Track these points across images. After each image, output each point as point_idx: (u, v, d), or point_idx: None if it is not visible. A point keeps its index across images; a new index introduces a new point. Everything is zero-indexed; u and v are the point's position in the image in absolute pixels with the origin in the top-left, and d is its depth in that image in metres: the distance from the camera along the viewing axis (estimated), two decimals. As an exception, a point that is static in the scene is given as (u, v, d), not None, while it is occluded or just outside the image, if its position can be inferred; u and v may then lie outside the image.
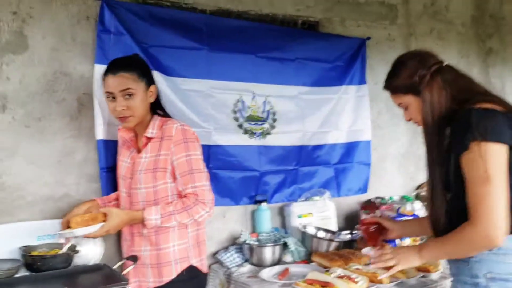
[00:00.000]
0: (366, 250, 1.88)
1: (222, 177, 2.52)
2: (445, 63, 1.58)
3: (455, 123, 1.46)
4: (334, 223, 2.63)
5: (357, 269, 1.99)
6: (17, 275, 1.75)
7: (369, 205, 1.96)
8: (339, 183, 2.90)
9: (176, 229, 1.88)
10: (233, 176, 2.55)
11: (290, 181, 2.73)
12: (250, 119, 2.63)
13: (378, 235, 1.87)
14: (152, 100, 1.90)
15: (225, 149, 2.54)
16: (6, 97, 2.00)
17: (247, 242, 2.33)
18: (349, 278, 1.86)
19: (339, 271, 1.93)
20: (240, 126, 2.59)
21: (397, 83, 1.62)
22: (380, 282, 1.86)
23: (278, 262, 2.32)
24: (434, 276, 1.96)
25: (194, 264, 1.91)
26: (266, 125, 2.67)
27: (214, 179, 2.46)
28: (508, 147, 1.41)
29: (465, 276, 1.48)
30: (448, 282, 1.93)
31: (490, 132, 1.38)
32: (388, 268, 1.68)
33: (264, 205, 2.56)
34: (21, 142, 2.02)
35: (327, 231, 2.53)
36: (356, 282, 1.84)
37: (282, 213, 2.70)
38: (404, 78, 1.59)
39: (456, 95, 1.53)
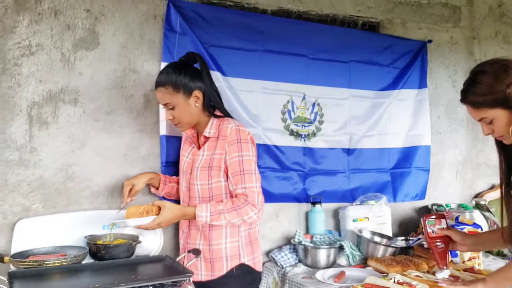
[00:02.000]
0: (440, 275, 1.83)
1: (270, 176, 2.53)
2: None
3: None
4: (389, 229, 2.60)
5: (417, 276, 1.95)
6: (83, 262, 1.82)
7: (432, 214, 1.91)
8: (396, 188, 2.85)
9: (228, 227, 1.91)
10: (281, 175, 2.56)
11: (340, 184, 2.71)
12: (298, 120, 2.63)
13: (447, 252, 1.84)
14: (199, 104, 1.93)
15: (272, 149, 2.55)
16: (78, 91, 2.09)
17: (302, 242, 2.33)
18: (409, 285, 1.82)
19: (398, 277, 1.90)
20: (287, 127, 2.60)
21: (483, 97, 1.52)
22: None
23: (333, 265, 2.31)
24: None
25: (246, 262, 1.94)
26: (312, 127, 2.66)
27: (264, 178, 2.48)
28: None
29: None
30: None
31: None
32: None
33: (318, 206, 2.55)
34: (91, 135, 2.11)
35: (382, 236, 2.50)
36: (416, 290, 1.80)
37: (335, 216, 2.68)
38: (491, 91, 1.51)
39: None
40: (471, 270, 2.03)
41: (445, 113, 3.05)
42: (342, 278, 2.10)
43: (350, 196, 2.73)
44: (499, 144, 1.65)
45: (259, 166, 2.46)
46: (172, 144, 2.25)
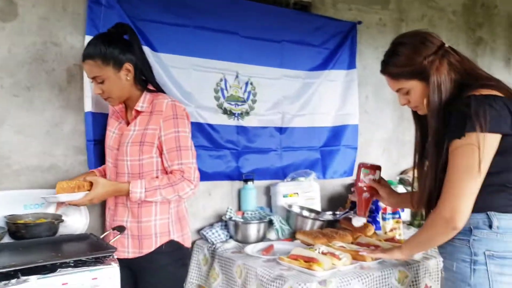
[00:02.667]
0: (356, 222, 1.91)
1: (205, 155, 2.53)
2: (447, 45, 1.56)
3: (455, 110, 1.48)
4: (318, 204, 2.67)
5: (341, 246, 2.03)
6: (1, 242, 1.74)
7: (369, 163, 1.94)
8: (325, 166, 2.94)
9: (158, 204, 1.90)
10: (214, 153, 2.57)
11: (272, 162, 2.76)
12: (231, 99, 2.64)
13: (370, 202, 1.90)
14: (130, 78, 1.88)
15: (206, 127, 2.55)
16: (-6, 65, 1.98)
17: (233, 218, 2.36)
18: (332, 254, 1.90)
19: (323, 248, 1.97)
20: (220, 106, 2.60)
21: (401, 68, 1.58)
22: (362, 259, 1.90)
23: (263, 239, 2.36)
24: (417, 256, 2.01)
25: (176, 239, 1.93)
26: (245, 106, 2.68)
27: (198, 158, 2.48)
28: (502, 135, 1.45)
29: (463, 254, 1.53)
30: (431, 263, 1.98)
31: (488, 122, 1.41)
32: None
33: (250, 184, 2.58)
34: (10, 111, 2.00)
35: (311, 210, 2.57)
36: (340, 259, 1.88)
37: (267, 193, 2.73)
38: (409, 63, 1.56)
39: (459, 79, 1.55)
40: (391, 240, 2.14)
41: (373, 93, 3.16)
42: (270, 251, 2.14)
43: (281, 174, 2.78)
44: (415, 115, 1.73)
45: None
46: (99, 121, 2.18)
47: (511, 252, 1.48)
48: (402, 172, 3.28)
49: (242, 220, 2.37)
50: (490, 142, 1.44)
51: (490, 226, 1.50)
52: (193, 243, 2.44)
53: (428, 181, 1.59)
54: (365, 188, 1.90)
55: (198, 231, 2.47)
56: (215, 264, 2.22)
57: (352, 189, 1.99)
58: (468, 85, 1.52)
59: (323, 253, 1.93)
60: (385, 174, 3.22)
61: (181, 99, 2.42)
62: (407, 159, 3.31)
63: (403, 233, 2.35)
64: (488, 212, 1.51)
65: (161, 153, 1.90)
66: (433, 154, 1.56)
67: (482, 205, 1.49)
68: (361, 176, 1.92)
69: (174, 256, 1.96)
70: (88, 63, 1.83)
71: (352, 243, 2.18)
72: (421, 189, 1.66)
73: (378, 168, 1.93)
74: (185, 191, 1.86)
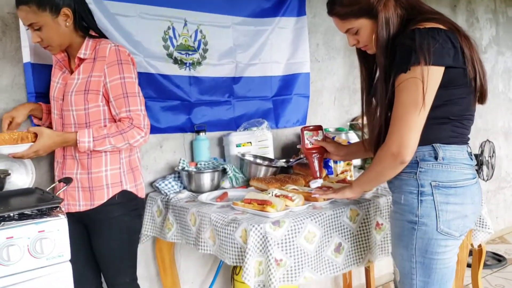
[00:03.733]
0: (313, 184, 1.95)
1: (153, 106, 2.47)
2: None
3: (401, 44, 1.49)
4: (271, 153, 2.68)
5: (294, 189, 2.05)
6: None
7: (310, 126, 2.01)
8: (278, 115, 2.94)
9: (109, 154, 1.85)
10: (164, 105, 2.51)
11: (225, 113, 2.73)
12: (181, 48, 2.57)
13: (321, 162, 1.95)
14: (69, 23, 1.78)
15: (156, 78, 2.48)
16: None
17: (186, 169, 2.33)
18: (285, 196, 1.92)
19: (276, 191, 1.98)
20: (170, 55, 2.53)
21: (349, 7, 1.58)
22: (315, 200, 1.93)
23: (217, 188, 2.35)
24: (367, 195, 2.06)
25: (129, 189, 1.91)
26: (196, 55, 2.62)
27: (146, 108, 2.42)
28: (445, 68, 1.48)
29: (410, 186, 1.58)
30: (381, 201, 2.04)
31: (432, 55, 1.43)
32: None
33: (202, 134, 2.55)
34: None
35: (264, 159, 2.58)
36: (292, 200, 1.90)
37: (221, 144, 2.71)
38: (357, 1, 1.56)
39: (405, 14, 1.56)
40: (343, 181, 2.18)
41: (323, 41, 3.15)
42: (224, 198, 2.14)
43: (234, 124, 2.76)
44: (360, 55, 1.74)
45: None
46: (40, 73, 2.08)
47: (455, 182, 1.54)
48: (353, 119, 3.33)
49: (195, 170, 2.35)
50: (434, 75, 1.47)
51: (436, 158, 1.55)
52: (147, 195, 2.41)
53: (377, 119, 1.62)
54: (313, 150, 1.96)
55: (151, 184, 2.44)
56: (169, 214, 2.20)
57: (298, 146, 2.02)
58: (412, 19, 1.53)
59: (276, 196, 1.95)
60: (337, 122, 3.30)
61: (130, 49, 2.33)
62: (358, 107, 3.36)
63: (354, 175, 2.40)
64: (433, 144, 1.55)
65: (107, 101, 1.84)
66: (381, 92, 1.58)
67: (427, 137, 1.54)
68: (306, 139, 1.98)
69: (128, 206, 1.94)
70: (22, 9, 1.72)
71: (304, 186, 2.22)
72: (370, 128, 1.69)
73: (319, 128, 2.01)
74: (135, 139, 1.82)
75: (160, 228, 2.30)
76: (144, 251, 2.47)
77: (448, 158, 1.55)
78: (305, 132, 1.99)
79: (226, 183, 2.40)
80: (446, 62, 1.47)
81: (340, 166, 2.32)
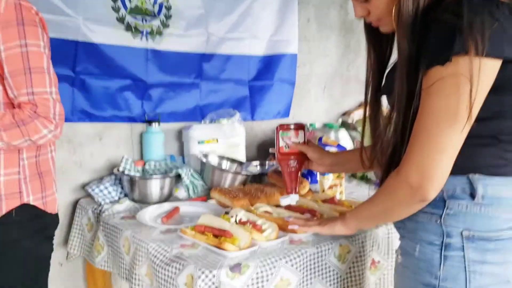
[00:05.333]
0: (285, 201, 1.41)
1: (94, 85, 1.91)
2: None
3: (436, 22, 0.97)
4: (243, 152, 2.15)
5: (265, 212, 1.53)
6: None
7: (289, 124, 1.46)
8: (255, 104, 2.40)
9: (2, 153, 1.30)
10: (110, 85, 1.95)
11: (190, 98, 2.18)
12: (136, 11, 2.00)
13: (299, 172, 1.42)
14: None
15: (100, 49, 1.91)
16: None
17: (127, 172, 1.78)
18: (253, 225, 1.39)
19: (241, 214, 1.46)
20: (121, 20, 1.96)
21: None
22: (293, 231, 1.41)
23: (168, 198, 1.82)
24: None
25: (32, 202, 1.36)
26: (156, 22, 2.05)
27: (83, 89, 1.87)
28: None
29: (431, 234, 1.07)
30: (379, 233, 1.53)
31: (488, 40, 0.91)
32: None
33: (155, 126, 2.00)
34: None
35: (233, 161, 2.04)
36: (262, 231, 1.38)
37: (180, 138, 2.16)
38: None
39: None
40: (331, 201, 1.66)
41: (315, 16, 2.59)
42: (173, 216, 1.61)
43: (199, 114, 2.22)
44: (370, 31, 1.20)
45: (77, 72, 1.84)
46: None
47: (497, 232, 1.04)
48: (344, 114, 2.81)
49: (138, 174, 1.80)
50: (488, 72, 0.95)
51: (472, 195, 1.04)
52: (76, 202, 1.86)
53: (391, 132, 1.10)
54: (290, 156, 1.43)
55: (84, 187, 1.89)
56: (99, 232, 1.66)
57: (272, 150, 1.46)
58: None
59: (240, 222, 1.43)
60: (325, 116, 2.78)
61: (61, 7, 1.76)
62: (350, 99, 2.84)
63: (345, 191, 1.88)
64: (469, 175, 1.04)
65: (2, 78, 1.28)
66: (400, 91, 1.06)
67: (461, 164, 1.02)
68: (281, 141, 1.44)
69: (30, 226, 1.39)
70: None
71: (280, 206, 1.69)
72: (377, 142, 1.17)
73: (300, 127, 1.46)
74: (40, 134, 1.27)
75: (89, 247, 1.76)
76: (73, 269, 1.94)
77: (491, 197, 1.04)
78: (281, 132, 1.44)
79: (180, 192, 1.86)
80: (507, 53, 0.95)
81: (328, 179, 1.79)
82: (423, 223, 1.09)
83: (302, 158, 1.43)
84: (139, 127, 2.05)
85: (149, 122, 2.00)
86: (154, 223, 1.54)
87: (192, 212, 1.66)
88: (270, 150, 2.16)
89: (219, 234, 1.33)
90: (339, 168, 1.50)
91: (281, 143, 1.43)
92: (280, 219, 1.45)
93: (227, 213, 1.54)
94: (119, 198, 1.80)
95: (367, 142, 1.28)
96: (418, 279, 1.09)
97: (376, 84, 1.23)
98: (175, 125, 2.15)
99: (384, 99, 1.22)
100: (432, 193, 1.01)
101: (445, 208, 1.06)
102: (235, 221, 1.44)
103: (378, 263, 1.55)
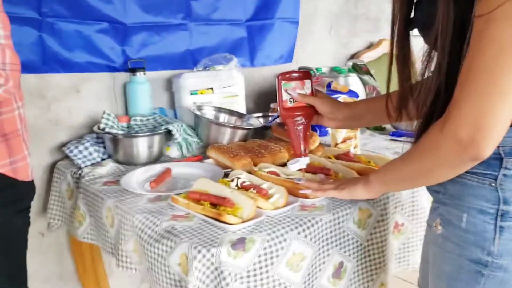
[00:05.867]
0: (293, 166, 1.17)
1: (66, 30, 1.64)
2: None
3: None
4: (242, 103, 1.90)
5: (271, 173, 1.30)
6: None
7: (293, 72, 1.19)
8: (254, 48, 2.12)
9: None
10: (84, 30, 1.68)
11: (178, 42, 1.91)
12: None
13: (308, 130, 1.18)
14: None
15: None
16: None
17: (109, 130, 1.54)
18: (258, 190, 1.17)
19: (244, 177, 1.24)
20: None
21: None
22: (304, 196, 1.19)
23: (158, 158, 1.59)
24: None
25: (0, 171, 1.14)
26: None
27: (52, 33, 1.60)
28: None
29: (482, 200, 0.86)
30: (403, 192, 1.32)
31: None
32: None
33: (140, 75, 1.74)
34: None
35: (231, 113, 1.80)
36: (269, 197, 1.16)
37: (169, 88, 1.90)
38: None
39: None
40: (346, 156, 1.43)
41: None
42: (164, 180, 1.39)
43: (191, 60, 1.95)
44: None
45: (43, 14, 1.57)
46: None
47: None
48: (353, 56, 2.54)
49: (122, 131, 1.56)
50: None
51: None
52: (54, 165, 1.64)
53: (435, 73, 0.86)
54: (295, 112, 1.16)
55: (61, 147, 1.65)
56: (80, 200, 1.44)
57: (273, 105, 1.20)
58: None
59: (243, 187, 1.20)
60: (332, 59, 2.51)
61: None
62: (359, 40, 2.56)
63: (361, 144, 1.64)
64: None
65: None
66: (447, 22, 0.82)
67: None
68: (284, 94, 1.16)
69: (2, 197, 1.19)
70: None
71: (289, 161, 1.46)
72: (416, 89, 0.93)
73: (306, 75, 1.18)
74: None
75: (70, 216, 1.55)
76: (55, 241, 1.74)
77: None
78: (283, 82, 1.17)
79: (172, 151, 1.63)
80: None
81: (341, 131, 1.55)
82: (472, 187, 0.87)
83: (310, 112, 1.18)
84: (122, 77, 1.80)
85: (133, 70, 1.73)
86: (141, 189, 1.32)
87: (186, 174, 1.44)
88: (272, 105, 1.91)
89: (218, 203, 1.11)
90: (355, 122, 1.25)
91: (284, 96, 1.17)
92: (289, 182, 1.22)
93: (226, 175, 1.32)
94: (102, 160, 1.57)
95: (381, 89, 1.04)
96: (464, 254, 0.88)
97: (405, 16, 0.98)
98: (163, 74, 1.89)
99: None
100: (488, 149, 0.79)
101: (502, 168, 0.84)
102: (236, 185, 1.22)
103: (402, 226, 1.35)
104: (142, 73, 1.74)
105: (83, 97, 1.72)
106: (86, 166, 1.53)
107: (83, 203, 1.43)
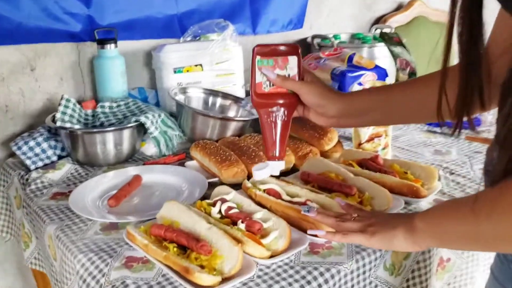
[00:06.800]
0: (258, 173, 0.81)
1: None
2: None
3: None
4: (240, 83, 1.52)
5: (270, 191, 0.94)
6: None
7: (271, 45, 0.80)
8: (257, 11, 1.72)
9: None
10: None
11: (160, 4, 1.52)
12: None
13: (287, 128, 0.81)
14: None
15: None
16: None
17: (67, 121, 1.19)
18: (249, 223, 0.82)
19: (231, 199, 0.89)
20: None
21: None
22: (314, 234, 0.83)
23: (130, 157, 1.25)
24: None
25: None
26: None
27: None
28: None
29: None
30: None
31: None
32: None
33: (111, 48, 1.37)
34: None
35: (225, 96, 1.43)
36: (263, 235, 0.81)
37: (149, 64, 1.53)
38: None
39: None
40: (372, 162, 1.07)
41: None
42: (131, 192, 1.04)
43: (178, 27, 1.56)
44: None
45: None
46: None
47: None
48: (378, 20, 2.12)
49: (80, 124, 1.21)
50: None
51: None
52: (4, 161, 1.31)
53: None
54: (272, 99, 0.81)
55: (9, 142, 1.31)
56: (24, 217, 1.11)
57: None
58: None
59: (227, 216, 0.86)
60: (353, 25, 2.10)
61: None
62: (384, 2, 2.14)
63: (392, 146, 1.26)
64: None
65: None
66: None
67: None
68: (258, 75, 0.81)
69: None
70: None
71: (296, 166, 1.11)
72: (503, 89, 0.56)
73: (292, 50, 0.81)
74: None
75: (19, 230, 1.22)
76: (12, 250, 1.43)
77: None
78: (258, 58, 0.80)
79: (148, 147, 1.28)
80: None
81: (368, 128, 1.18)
82: None
83: (292, 102, 0.81)
84: (89, 49, 1.43)
85: (101, 42, 1.36)
86: (95, 209, 0.98)
87: (159, 184, 1.09)
88: (244, 86, 1.52)
89: (188, 246, 0.77)
90: (353, 119, 0.85)
91: (258, 78, 0.80)
92: (293, 210, 0.87)
93: (212, 185, 0.97)
94: (59, 159, 1.23)
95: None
96: None
97: None
98: (141, 45, 1.52)
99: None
100: None
101: None
102: (219, 212, 0.87)
103: (447, 261, 0.99)
104: (112, 45, 1.37)
105: (40, 76, 1.37)
106: (37, 168, 1.20)
107: (28, 221, 1.10)
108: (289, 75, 0.80)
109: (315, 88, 0.80)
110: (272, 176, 0.84)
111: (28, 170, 1.20)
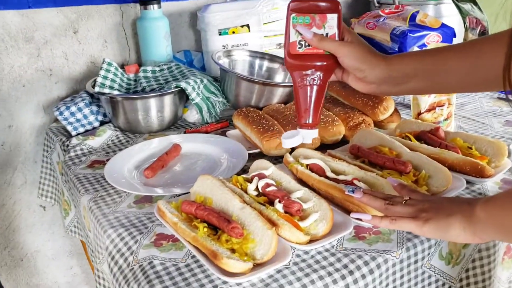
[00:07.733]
0: (288, 142, 0.73)
1: None
2: None
3: None
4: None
5: (313, 167, 0.86)
6: None
7: (309, 6, 0.70)
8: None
9: None
10: None
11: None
12: None
13: (323, 93, 0.72)
14: None
15: None
16: None
17: (108, 86, 1.15)
18: (287, 203, 0.74)
19: (270, 176, 0.82)
20: None
21: None
22: (358, 218, 0.74)
23: (172, 124, 1.20)
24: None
25: None
26: None
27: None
28: None
29: None
30: None
31: None
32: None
33: (154, 8, 1.30)
34: None
35: (273, 59, 1.33)
36: (303, 217, 0.73)
37: (194, 25, 1.46)
38: None
39: None
40: (433, 136, 0.95)
41: None
42: (168, 163, 0.99)
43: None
44: None
45: None
46: None
47: None
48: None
49: (123, 89, 1.17)
50: None
51: None
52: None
53: None
54: (307, 62, 0.72)
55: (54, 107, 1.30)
56: (63, 184, 1.10)
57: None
58: None
59: (264, 194, 0.78)
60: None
61: None
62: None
63: (455, 117, 1.12)
64: None
65: None
66: None
67: None
68: (293, 32, 0.72)
69: None
70: None
71: (345, 138, 1.01)
72: None
73: (332, 7, 0.71)
74: None
75: (61, 197, 1.22)
76: (59, 214, 1.45)
77: None
78: (293, 15, 0.71)
79: (191, 114, 1.22)
80: None
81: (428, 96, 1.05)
82: None
83: (329, 64, 0.71)
84: (131, 11, 1.37)
85: (144, 2, 1.30)
86: (130, 180, 0.94)
87: (199, 154, 1.04)
88: (279, 46, 1.40)
89: (219, 226, 0.71)
90: (396, 87, 0.73)
91: (293, 37, 0.72)
92: (337, 190, 0.78)
93: (252, 157, 0.91)
94: (101, 125, 1.20)
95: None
96: None
97: None
98: (187, 4, 1.44)
99: None
100: None
101: None
102: (256, 189, 0.80)
103: (516, 251, 0.88)
104: (156, 5, 1.30)
105: (83, 38, 1.33)
106: (78, 133, 1.17)
107: (66, 189, 1.08)
108: (327, 35, 0.70)
109: (356, 50, 0.69)
110: (317, 149, 0.75)
111: (69, 135, 1.18)
